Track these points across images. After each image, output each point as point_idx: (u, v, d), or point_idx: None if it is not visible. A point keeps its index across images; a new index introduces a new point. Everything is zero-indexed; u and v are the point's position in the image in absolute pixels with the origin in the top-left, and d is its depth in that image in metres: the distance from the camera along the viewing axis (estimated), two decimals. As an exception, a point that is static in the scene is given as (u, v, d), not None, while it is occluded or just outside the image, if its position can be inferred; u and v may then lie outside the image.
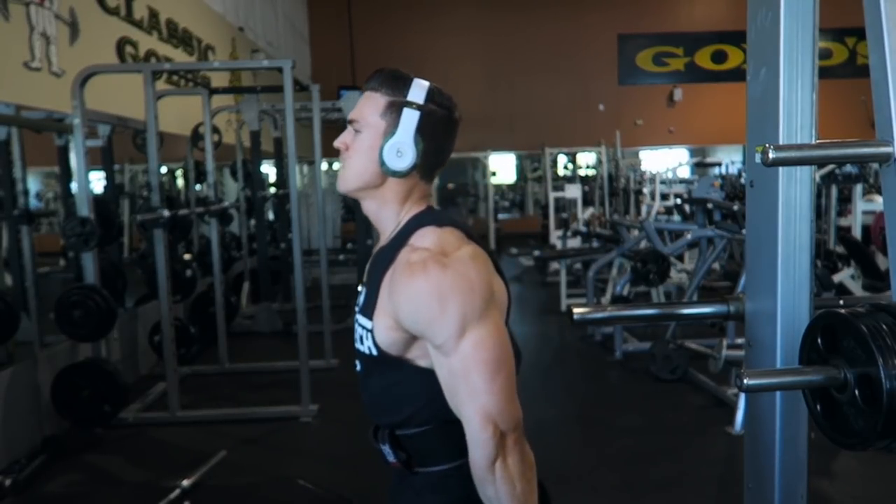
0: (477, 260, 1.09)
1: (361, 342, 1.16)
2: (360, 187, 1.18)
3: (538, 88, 13.76)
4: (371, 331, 1.12)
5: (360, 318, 1.16)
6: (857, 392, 0.82)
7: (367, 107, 1.15)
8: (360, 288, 1.22)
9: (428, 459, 1.16)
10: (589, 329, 5.66)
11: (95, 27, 4.94)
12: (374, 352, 1.13)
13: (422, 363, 1.11)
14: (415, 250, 1.09)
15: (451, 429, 1.11)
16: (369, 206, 1.20)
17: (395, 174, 1.14)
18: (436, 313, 1.04)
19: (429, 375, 1.10)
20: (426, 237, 1.11)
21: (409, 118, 1.12)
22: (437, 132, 1.15)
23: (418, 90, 1.13)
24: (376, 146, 1.14)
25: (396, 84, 1.14)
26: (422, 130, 1.13)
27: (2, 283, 4.21)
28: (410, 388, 1.13)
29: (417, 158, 1.13)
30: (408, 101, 1.13)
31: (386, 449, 1.17)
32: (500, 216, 13.48)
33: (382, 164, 1.13)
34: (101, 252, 3.94)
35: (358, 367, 1.22)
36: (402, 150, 1.12)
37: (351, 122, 1.17)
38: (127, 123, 5.00)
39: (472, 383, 1.03)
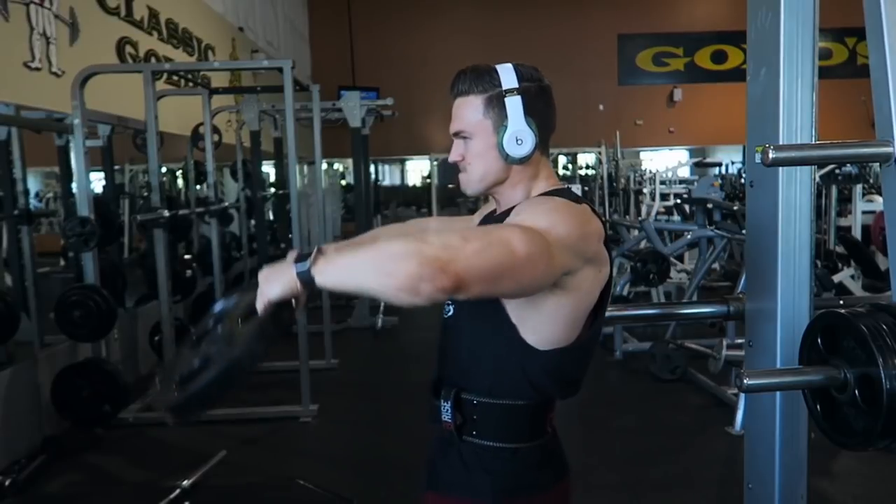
0: (587, 214, 1.08)
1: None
2: (488, 187, 1.18)
3: (538, 88, 13.74)
4: None
5: None
6: (857, 392, 0.82)
7: (467, 112, 1.15)
8: None
9: (484, 431, 1.13)
10: (589, 329, 5.65)
11: (95, 27, 4.93)
12: (492, 311, 1.08)
13: (524, 334, 1.08)
14: (538, 195, 1.11)
15: (521, 412, 1.10)
16: (502, 197, 1.20)
17: (522, 160, 1.14)
18: (541, 210, 1.03)
19: (527, 351, 1.08)
20: (550, 193, 1.12)
21: (514, 105, 1.12)
22: (539, 106, 1.16)
23: (508, 75, 1.13)
24: (492, 145, 1.13)
25: (483, 79, 1.14)
26: (529, 110, 1.13)
27: (2, 283, 4.20)
28: (504, 355, 1.11)
29: (537, 138, 1.13)
30: (505, 89, 1.13)
31: (446, 406, 1.14)
32: (500, 216, 13.46)
33: (507, 157, 1.13)
34: (101, 252, 3.93)
35: (450, 313, 1.19)
36: (521, 136, 1.12)
37: (457, 133, 1.17)
38: (127, 123, 5.00)
39: (501, 228, 1.00)
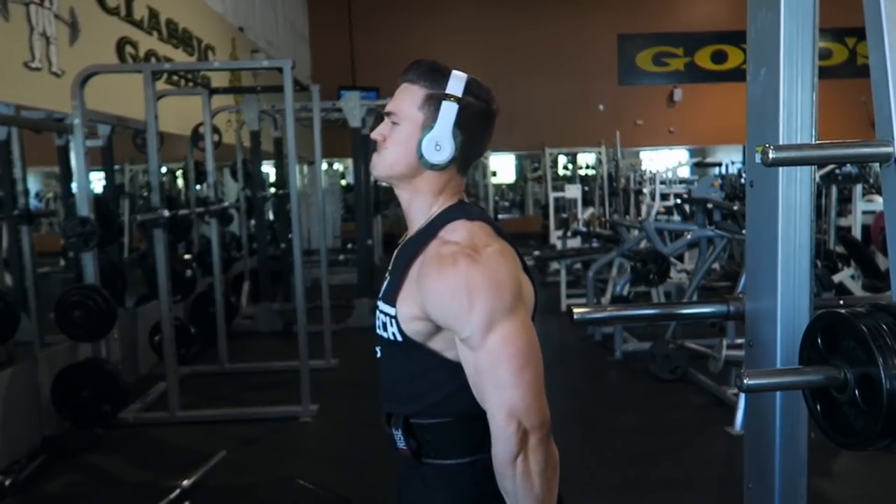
0: (506, 256, 1.09)
1: (385, 329, 1.15)
2: (392, 176, 1.17)
3: (538, 88, 13.76)
4: (395, 317, 1.12)
5: (382, 305, 1.16)
6: (857, 392, 0.82)
7: (405, 99, 1.15)
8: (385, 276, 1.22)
9: (439, 451, 1.15)
10: (589, 329, 5.66)
11: (95, 27, 4.93)
12: (399, 337, 1.12)
13: (447, 355, 1.11)
14: (445, 243, 1.09)
15: (468, 424, 1.11)
16: (402, 195, 1.20)
17: (433, 167, 1.13)
18: (464, 307, 1.03)
19: (452, 368, 1.10)
20: (457, 231, 1.10)
21: (448, 111, 1.11)
22: (474, 125, 1.14)
23: (457, 82, 1.13)
24: (414, 138, 1.13)
25: (435, 76, 1.13)
26: (460, 124, 1.12)
27: (2, 283, 4.20)
28: (433, 378, 1.13)
29: (456, 152, 1.12)
30: (447, 93, 1.12)
31: (398, 434, 1.16)
32: (500, 216, 13.48)
33: (420, 157, 1.13)
34: (101, 252, 3.93)
35: (378, 353, 1.21)
36: (441, 143, 1.12)
37: (388, 113, 1.17)
38: (127, 123, 5.00)
39: (498, 378, 1.03)
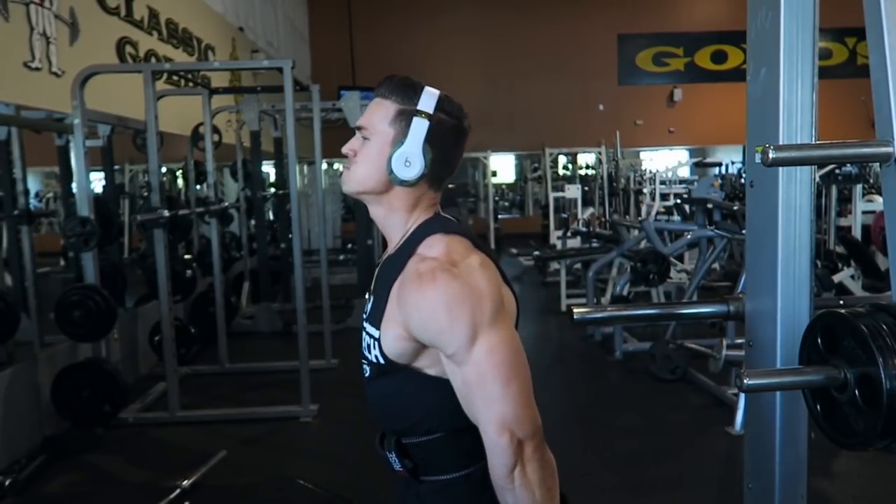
0: (485, 268, 1.09)
1: (369, 350, 1.16)
2: (363, 191, 1.17)
3: (538, 88, 13.76)
4: (378, 339, 1.12)
5: (368, 327, 1.16)
6: (857, 392, 0.82)
7: (377, 114, 1.15)
8: (366, 296, 1.22)
9: (434, 468, 1.15)
10: (589, 329, 5.66)
11: (95, 27, 4.93)
12: (381, 360, 1.12)
13: (431, 371, 1.11)
14: (423, 260, 1.08)
15: (459, 437, 1.11)
16: (376, 212, 1.20)
17: (403, 183, 1.13)
18: (446, 323, 1.03)
19: (437, 384, 1.10)
20: (434, 246, 1.10)
21: (419, 127, 1.11)
22: (446, 142, 1.14)
23: (428, 99, 1.13)
24: (384, 154, 1.13)
25: (406, 92, 1.13)
26: (431, 140, 1.12)
27: (2, 283, 4.20)
28: (418, 396, 1.13)
29: (426, 168, 1.12)
30: (418, 109, 1.12)
31: (392, 457, 1.16)
32: (500, 216, 13.47)
33: (391, 172, 1.13)
34: (101, 252, 3.93)
35: (366, 374, 1.21)
36: (411, 159, 1.12)
37: (359, 128, 1.17)
38: (127, 123, 5.00)
39: (487, 390, 1.03)
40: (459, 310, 1.03)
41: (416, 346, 1.09)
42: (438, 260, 1.07)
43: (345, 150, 1.18)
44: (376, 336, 1.12)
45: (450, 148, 1.15)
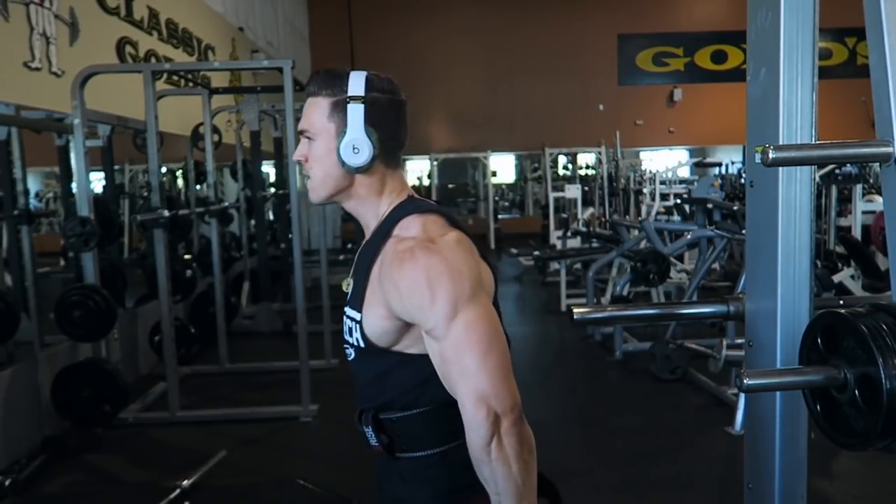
0: (462, 244, 1.10)
1: (350, 334, 1.17)
2: (331, 193, 1.19)
3: (538, 88, 13.76)
4: (360, 322, 1.14)
5: (349, 310, 1.18)
6: (857, 392, 0.82)
7: (313, 113, 1.16)
8: (348, 281, 1.23)
9: (411, 444, 1.16)
10: (589, 329, 5.66)
11: (95, 27, 4.93)
12: (362, 343, 1.14)
13: (411, 351, 1.12)
14: (401, 240, 1.10)
15: (437, 414, 1.13)
16: (349, 206, 1.22)
17: (358, 170, 1.15)
18: (426, 299, 1.04)
19: (416, 361, 1.11)
20: (410, 226, 1.12)
21: (356, 112, 1.13)
22: (386, 118, 1.15)
23: (357, 82, 1.14)
24: (332, 149, 1.14)
25: (333, 82, 1.15)
26: (371, 121, 1.13)
27: (2, 283, 4.20)
28: (396, 373, 1.14)
29: (375, 150, 1.13)
30: (350, 96, 1.13)
31: (369, 431, 1.17)
32: (500, 216, 13.48)
33: (343, 164, 1.14)
34: (101, 252, 3.93)
35: (349, 357, 1.23)
36: (358, 145, 1.13)
37: (301, 132, 1.18)
38: (127, 123, 5.00)
39: (465, 365, 1.04)
40: (439, 285, 1.04)
41: (398, 325, 1.10)
42: (416, 238, 1.09)
43: (295, 158, 1.20)
44: (357, 319, 1.14)
45: (392, 122, 1.17)
